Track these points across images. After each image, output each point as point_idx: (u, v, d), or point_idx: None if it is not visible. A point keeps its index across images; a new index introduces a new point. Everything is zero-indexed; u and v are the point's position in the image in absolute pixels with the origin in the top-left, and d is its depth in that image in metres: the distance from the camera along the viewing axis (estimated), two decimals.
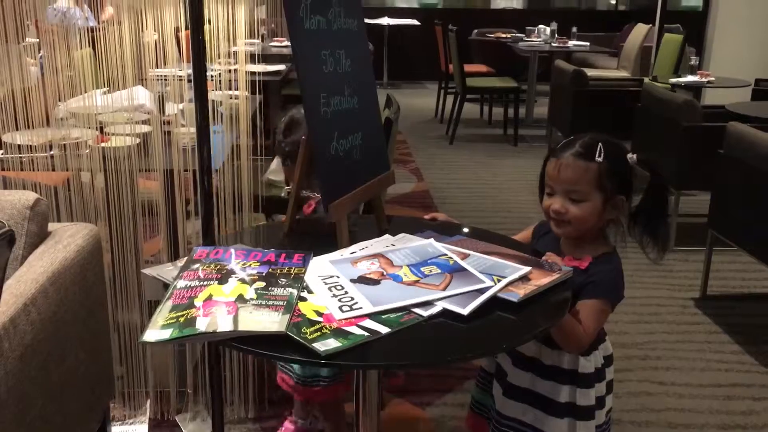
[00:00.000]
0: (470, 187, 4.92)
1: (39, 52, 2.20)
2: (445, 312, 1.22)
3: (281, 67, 4.42)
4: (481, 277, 1.32)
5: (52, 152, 2.12)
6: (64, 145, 2.13)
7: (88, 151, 2.14)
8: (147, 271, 1.37)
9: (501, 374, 1.63)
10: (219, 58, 2.38)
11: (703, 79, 5.11)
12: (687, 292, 3.25)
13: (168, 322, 1.15)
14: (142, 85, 2.30)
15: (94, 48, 2.18)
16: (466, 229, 1.65)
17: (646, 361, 2.68)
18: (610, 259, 1.55)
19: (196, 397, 2.28)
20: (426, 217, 1.69)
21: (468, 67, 6.42)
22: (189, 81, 2.49)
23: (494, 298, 1.26)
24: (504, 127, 6.50)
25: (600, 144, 1.50)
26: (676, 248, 3.70)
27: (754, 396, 2.48)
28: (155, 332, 1.14)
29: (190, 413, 2.25)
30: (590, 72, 5.64)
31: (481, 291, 1.27)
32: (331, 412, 2.09)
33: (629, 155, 1.52)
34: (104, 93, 2.23)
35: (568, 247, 1.58)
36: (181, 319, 1.16)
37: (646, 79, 5.32)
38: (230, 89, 2.24)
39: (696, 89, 5.26)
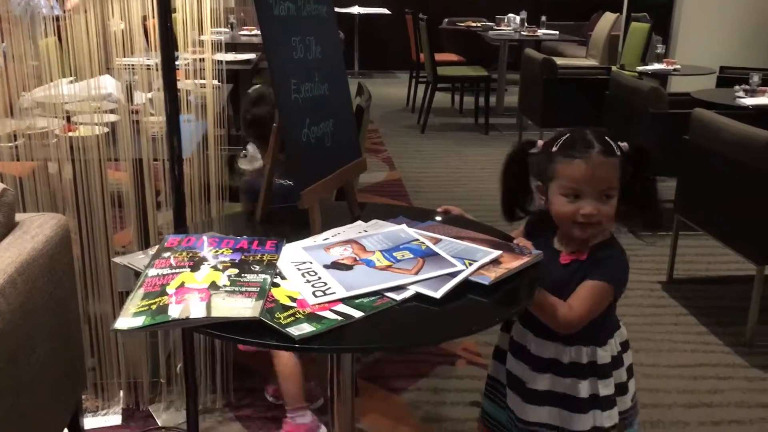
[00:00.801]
0: (442, 176, 4.95)
1: (2, 42, 2.16)
2: (417, 296, 1.23)
3: (252, 56, 4.39)
4: (453, 261, 1.33)
5: (17, 142, 2.08)
6: (30, 134, 2.10)
7: (55, 140, 2.11)
8: (118, 259, 1.36)
9: (517, 382, 1.60)
10: (187, 46, 2.37)
11: (669, 67, 5.19)
12: (654, 275, 3.32)
13: (140, 309, 1.15)
14: (109, 74, 2.28)
15: (59, 37, 2.15)
16: (438, 218, 1.66)
17: None
18: (610, 246, 1.54)
19: (170, 387, 2.27)
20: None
21: (439, 56, 6.43)
22: (157, 70, 2.47)
23: (466, 282, 1.27)
24: (475, 115, 6.54)
25: (608, 138, 1.47)
26: (644, 233, 3.76)
27: (719, 375, 2.54)
28: (127, 320, 1.13)
29: (163, 403, 2.24)
30: (559, 60, 5.69)
31: (453, 275, 1.28)
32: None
33: (623, 144, 1.49)
34: (70, 82, 2.20)
35: (563, 243, 1.57)
36: (153, 307, 1.15)
37: (614, 68, 5.39)
38: (200, 78, 2.23)
39: (662, 77, 5.33)
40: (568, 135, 1.51)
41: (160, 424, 2.17)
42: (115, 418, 2.20)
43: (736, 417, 2.31)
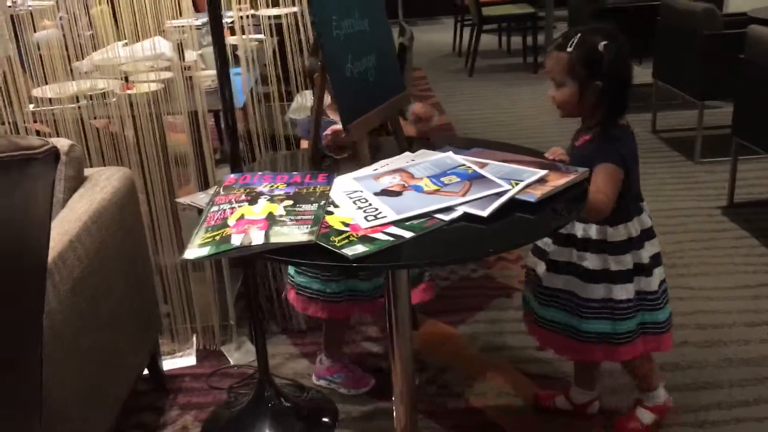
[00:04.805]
0: (491, 117, 4.92)
1: (59, 12, 2.26)
2: (466, 216, 1.27)
3: (295, 9, 4.41)
4: (499, 182, 1.37)
5: (80, 103, 2.19)
6: (91, 96, 2.20)
7: (114, 99, 2.21)
8: (181, 199, 1.44)
9: (542, 253, 1.81)
10: (237, 4, 2.45)
11: None
12: (713, 201, 3.26)
13: (205, 241, 1.23)
14: (161, 36, 2.36)
15: (111, 3, 2.24)
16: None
17: (675, 269, 2.72)
18: (613, 131, 1.68)
19: (240, 328, 2.39)
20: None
21: None
22: (199, 28, 2.56)
23: (513, 201, 1.31)
24: (523, 55, 6.43)
25: (577, 35, 1.64)
26: (702, 160, 3.69)
27: None
28: (194, 251, 1.21)
29: (234, 343, 2.37)
30: None
31: (500, 194, 1.32)
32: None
33: (601, 43, 1.62)
34: (124, 45, 2.29)
35: (584, 131, 1.73)
36: (217, 238, 1.23)
37: None
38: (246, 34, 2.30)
39: None
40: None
41: (232, 363, 2.30)
42: (190, 360, 2.33)
43: None
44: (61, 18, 2.26)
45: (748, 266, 2.71)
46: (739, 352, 2.21)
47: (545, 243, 1.80)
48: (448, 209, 1.29)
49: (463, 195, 1.33)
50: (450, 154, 1.53)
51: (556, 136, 4.35)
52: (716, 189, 3.37)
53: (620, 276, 1.71)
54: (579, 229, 1.72)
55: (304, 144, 1.98)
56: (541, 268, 1.81)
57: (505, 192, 1.33)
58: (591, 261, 1.71)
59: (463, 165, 1.46)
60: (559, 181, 1.38)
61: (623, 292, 1.71)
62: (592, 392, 1.98)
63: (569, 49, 1.63)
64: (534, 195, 1.32)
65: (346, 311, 2.01)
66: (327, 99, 1.67)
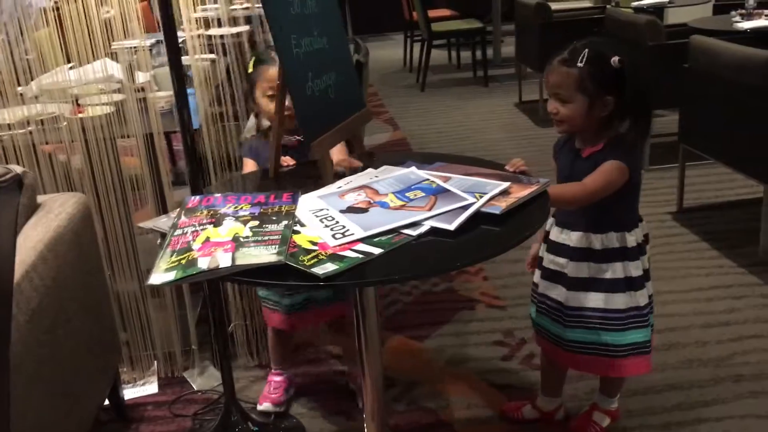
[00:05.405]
0: (446, 131, 4.97)
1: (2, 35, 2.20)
2: (433, 230, 1.28)
3: (245, 27, 4.39)
4: (464, 195, 1.38)
5: (29, 128, 2.13)
6: (42, 120, 2.14)
7: (65, 123, 2.15)
8: (144, 223, 1.41)
9: (558, 276, 1.78)
10: (182, 24, 2.41)
11: (665, 0, 5.14)
12: (664, 207, 3.35)
13: (171, 265, 1.20)
14: (110, 58, 2.32)
15: (60, 25, 2.19)
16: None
17: None
18: (623, 137, 1.69)
19: (202, 353, 2.35)
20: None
21: (432, 13, 6.40)
22: (151, 49, 2.52)
23: (478, 213, 1.32)
24: (473, 69, 6.52)
25: (585, 50, 1.62)
26: (651, 167, 3.79)
27: (734, 295, 2.59)
28: (160, 276, 1.19)
29: (197, 369, 2.32)
30: (553, 5, 5.64)
31: (465, 207, 1.33)
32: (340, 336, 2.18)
33: (613, 59, 1.62)
34: (71, 68, 2.24)
35: (583, 143, 1.73)
36: (183, 261, 1.21)
37: (609, 6, 5.34)
38: (198, 54, 2.28)
39: (658, 11, 5.29)
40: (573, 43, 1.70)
41: (195, 389, 2.25)
42: (152, 388, 2.28)
43: (753, 332, 2.36)
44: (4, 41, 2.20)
45: (701, 269, 2.79)
46: (696, 354, 2.27)
47: (559, 264, 1.77)
48: (415, 224, 1.29)
49: (429, 209, 1.33)
50: (413, 169, 1.54)
51: (511, 148, 4.43)
52: (666, 195, 3.46)
53: (639, 282, 1.74)
54: (596, 242, 1.71)
55: (248, 166, 1.97)
56: (558, 290, 1.78)
57: (471, 205, 1.34)
58: (613, 270, 1.71)
59: (428, 180, 1.47)
60: (522, 192, 1.40)
61: (642, 297, 1.74)
62: (558, 399, 2.00)
63: (580, 65, 1.61)
64: (499, 207, 1.33)
65: (304, 321, 2.04)
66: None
